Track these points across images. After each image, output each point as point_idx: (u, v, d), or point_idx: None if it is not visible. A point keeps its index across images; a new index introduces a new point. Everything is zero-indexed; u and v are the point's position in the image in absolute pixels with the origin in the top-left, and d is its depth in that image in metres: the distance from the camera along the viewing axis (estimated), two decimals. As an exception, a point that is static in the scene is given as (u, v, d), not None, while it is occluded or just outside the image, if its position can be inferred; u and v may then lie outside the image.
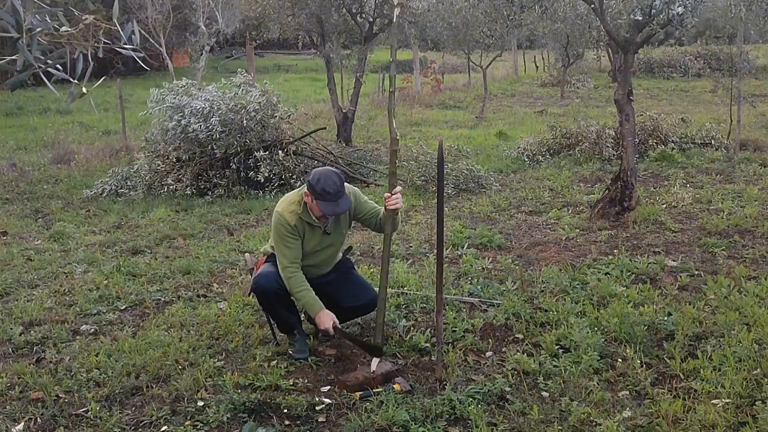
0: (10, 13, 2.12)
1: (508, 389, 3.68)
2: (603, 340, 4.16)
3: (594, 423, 3.35)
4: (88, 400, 3.69)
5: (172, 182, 8.74)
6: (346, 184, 4.02)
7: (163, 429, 3.45)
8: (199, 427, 3.44)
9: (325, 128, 10.74)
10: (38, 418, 3.56)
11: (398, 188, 3.92)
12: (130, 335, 4.50)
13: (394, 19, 4.06)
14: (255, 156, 8.69)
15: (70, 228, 7.31)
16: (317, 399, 3.66)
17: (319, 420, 3.50)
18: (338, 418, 3.51)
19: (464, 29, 14.23)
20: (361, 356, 4.12)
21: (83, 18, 2.40)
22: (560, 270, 5.48)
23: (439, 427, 3.35)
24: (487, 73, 17.55)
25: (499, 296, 4.96)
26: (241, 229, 7.24)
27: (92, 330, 4.68)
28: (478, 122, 14.98)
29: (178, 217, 7.77)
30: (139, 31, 2.55)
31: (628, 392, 3.66)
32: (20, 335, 4.55)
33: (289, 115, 9.26)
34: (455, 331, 4.36)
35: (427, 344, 4.21)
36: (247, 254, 4.72)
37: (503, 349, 4.18)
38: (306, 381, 3.89)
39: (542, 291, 5.06)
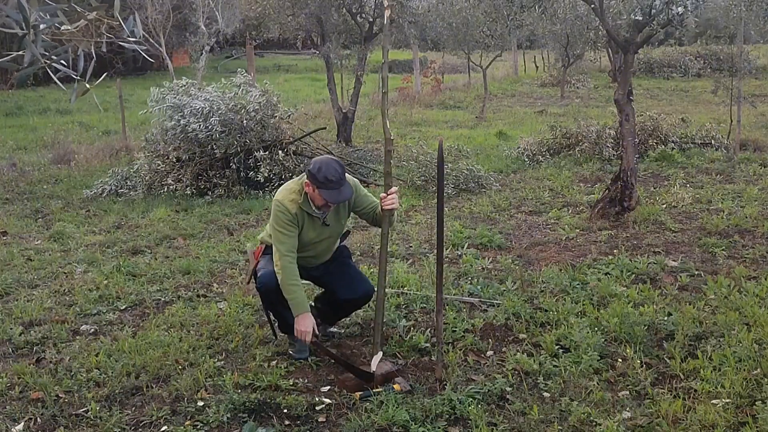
0: (17, 10, 2.13)
1: (508, 389, 3.68)
2: (603, 340, 4.16)
3: (594, 423, 3.35)
4: (88, 400, 3.69)
5: (172, 182, 8.74)
6: (346, 174, 3.99)
7: (163, 429, 3.45)
8: (199, 427, 3.44)
9: (325, 128, 10.74)
10: (38, 418, 3.56)
11: (394, 188, 3.91)
12: (130, 335, 4.50)
13: (385, 22, 4.06)
14: (255, 156, 8.69)
15: (70, 228, 7.31)
16: (317, 399, 3.66)
17: (319, 420, 3.50)
18: (338, 418, 3.51)
19: (464, 29, 14.23)
20: (361, 356, 4.12)
21: (86, 14, 2.40)
22: (560, 270, 5.48)
23: (439, 427, 3.35)
24: (487, 73, 17.55)
25: (499, 296, 4.96)
26: (241, 229, 7.24)
27: (92, 330, 4.68)
28: (478, 122, 14.98)
29: (178, 217, 7.77)
30: (141, 29, 2.55)
31: (628, 392, 3.66)
32: (20, 335, 4.55)
33: (289, 115, 9.26)
34: (455, 331, 4.37)
35: (427, 344, 4.21)
36: (249, 244, 4.68)
37: (503, 349, 4.18)
38: (306, 381, 3.89)
39: (542, 291, 5.06)
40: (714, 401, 3.47)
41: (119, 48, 2.61)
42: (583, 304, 4.73)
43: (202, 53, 15.02)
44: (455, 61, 24.34)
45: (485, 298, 4.96)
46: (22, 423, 3.51)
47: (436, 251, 3.95)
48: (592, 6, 6.84)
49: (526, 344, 4.23)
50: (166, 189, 8.72)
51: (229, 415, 3.50)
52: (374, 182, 9.24)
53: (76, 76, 2.37)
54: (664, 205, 7.48)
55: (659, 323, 4.40)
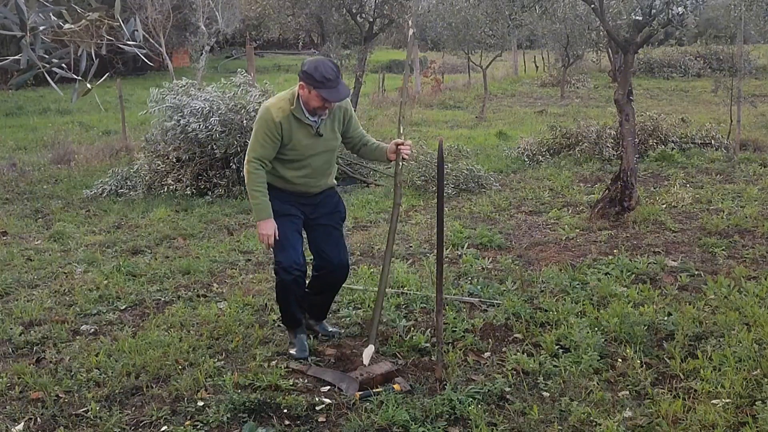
0: (14, 12, 2.12)
1: (508, 389, 3.68)
2: (603, 340, 4.16)
3: (594, 423, 3.35)
4: (88, 400, 3.69)
5: (172, 182, 8.74)
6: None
7: (163, 429, 3.45)
8: (199, 427, 3.44)
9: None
10: (38, 418, 3.56)
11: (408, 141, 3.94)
12: (130, 335, 4.50)
13: (409, 40, 4.31)
14: (255, 156, 8.67)
15: (70, 228, 7.31)
16: (317, 399, 3.66)
17: (319, 420, 3.50)
18: (338, 418, 3.51)
19: (464, 29, 14.24)
20: (361, 356, 4.12)
21: (86, 15, 2.40)
22: (560, 270, 5.48)
23: (439, 427, 3.35)
24: (487, 73, 17.56)
25: (499, 296, 4.96)
26: (241, 229, 7.24)
27: (92, 330, 4.68)
28: (478, 122, 14.98)
29: (178, 217, 7.77)
30: (141, 31, 2.55)
31: (628, 392, 3.65)
32: (20, 335, 4.54)
33: (289, 115, 9.24)
34: (455, 331, 4.36)
35: (427, 344, 4.21)
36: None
37: (503, 349, 4.18)
38: (306, 381, 3.89)
39: (542, 291, 5.06)
40: (714, 401, 3.46)
41: (119, 48, 2.60)
42: (583, 304, 4.73)
43: (202, 53, 15.03)
44: (455, 61, 24.36)
45: (485, 298, 4.96)
46: (22, 423, 3.51)
47: (436, 251, 3.95)
48: (592, 6, 6.85)
49: (526, 344, 4.22)
50: (166, 189, 8.72)
51: (229, 415, 3.50)
52: (374, 182, 9.24)
53: (77, 76, 2.36)
54: (664, 205, 7.48)
55: (659, 323, 4.40)
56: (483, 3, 9.15)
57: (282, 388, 3.75)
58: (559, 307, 4.65)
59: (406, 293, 5.05)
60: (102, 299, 5.20)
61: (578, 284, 5.15)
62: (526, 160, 10.29)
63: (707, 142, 10.68)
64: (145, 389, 3.82)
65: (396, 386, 3.70)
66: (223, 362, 4.11)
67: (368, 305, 4.83)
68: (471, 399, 3.55)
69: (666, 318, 4.47)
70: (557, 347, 4.10)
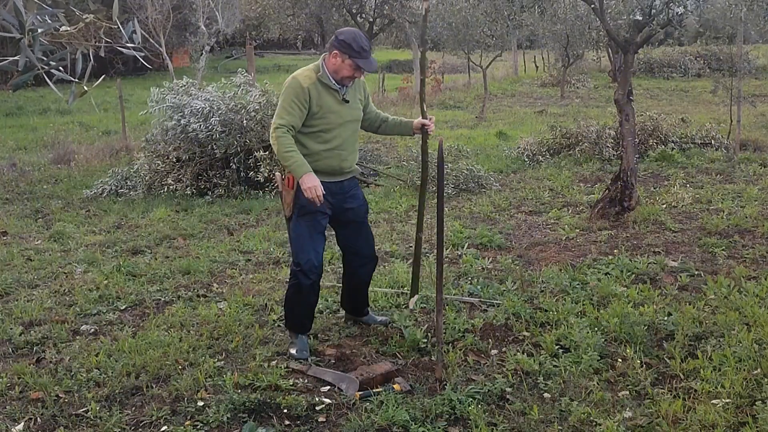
0: (12, 14, 2.12)
1: (508, 389, 3.68)
2: (603, 340, 4.16)
3: (594, 423, 3.35)
4: (88, 400, 3.69)
5: (172, 182, 8.74)
6: None
7: (163, 429, 3.45)
8: (199, 427, 3.44)
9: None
10: (38, 418, 3.56)
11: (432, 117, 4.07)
12: (130, 335, 4.50)
13: (423, 9, 4.33)
14: (255, 156, 8.68)
15: (70, 228, 7.31)
16: (317, 399, 3.66)
17: (319, 420, 3.50)
18: (338, 418, 3.51)
19: (464, 29, 14.24)
20: (361, 356, 4.12)
21: (84, 17, 2.40)
22: (560, 270, 5.48)
23: (439, 427, 3.35)
24: (487, 73, 17.55)
25: (499, 296, 4.96)
26: (241, 229, 7.24)
27: (92, 330, 4.68)
28: (478, 122, 14.98)
29: (178, 217, 7.77)
30: (140, 32, 2.55)
31: (628, 392, 3.65)
32: (20, 335, 4.54)
33: (289, 115, 9.25)
34: (455, 331, 4.36)
35: (427, 344, 4.21)
36: (277, 173, 4.49)
37: (503, 349, 4.18)
38: (306, 381, 3.89)
39: (542, 291, 5.06)
40: (714, 401, 3.46)
41: (118, 50, 2.60)
42: (583, 304, 4.73)
43: (202, 53, 15.04)
44: (455, 61, 24.37)
45: (485, 298, 4.96)
46: (22, 423, 3.51)
47: (436, 251, 3.95)
48: (592, 6, 6.85)
49: (526, 344, 4.22)
50: (166, 189, 8.72)
51: (229, 415, 3.50)
52: (374, 182, 9.25)
53: (74, 79, 2.36)
54: (664, 205, 7.48)
55: (659, 323, 4.40)
56: (483, 3, 9.16)
57: (282, 388, 3.75)
58: (559, 307, 4.65)
59: (406, 293, 5.05)
60: (102, 299, 5.20)
61: (578, 284, 5.15)
62: (526, 160, 10.29)
63: (707, 142, 10.68)
64: (145, 389, 3.82)
65: (396, 386, 3.70)
66: (223, 362, 4.11)
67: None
68: (471, 399, 3.55)
69: (666, 318, 4.47)
70: (557, 347, 4.10)
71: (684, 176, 8.90)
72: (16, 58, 2.21)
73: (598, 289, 5.01)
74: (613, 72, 7.11)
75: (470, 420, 3.39)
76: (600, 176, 9.18)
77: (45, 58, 2.27)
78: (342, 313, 4.71)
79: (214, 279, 5.67)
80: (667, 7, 6.40)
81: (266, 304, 4.97)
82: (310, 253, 4.02)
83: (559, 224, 6.97)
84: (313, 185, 3.84)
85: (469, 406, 3.48)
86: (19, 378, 3.96)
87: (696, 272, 5.44)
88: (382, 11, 11.50)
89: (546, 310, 4.64)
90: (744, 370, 3.73)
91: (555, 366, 3.89)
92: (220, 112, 8.60)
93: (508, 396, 3.63)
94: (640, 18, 6.65)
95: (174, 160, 8.89)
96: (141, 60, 2.78)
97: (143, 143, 9.46)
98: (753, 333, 4.15)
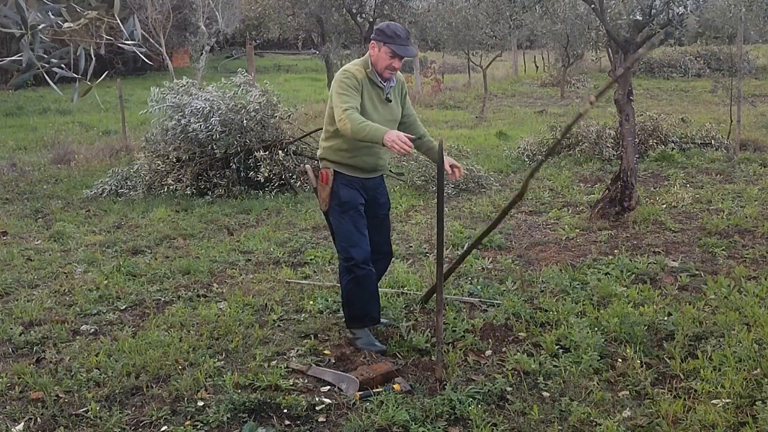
0: (14, 10, 2.12)
1: (508, 389, 3.68)
2: (603, 340, 4.16)
3: (594, 423, 3.35)
4: (88, 400, 3.69)
5: (172, 182, 8.73)
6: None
7: (163, 429, 3.44)
8: (199, 427, 3.44)
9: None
10: (38, 418, 3.56)
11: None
12: (130, 335, 4.50)
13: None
14: (255, 156, 8.69)
15: (70, 228, 7.31)
16: (317, 399, 3.66)
17: (319, 420, 3.50)
18: (338, 418, 3.51)
19: (464, 29, 14.25)
20: (361, 356, 4.12)
21: (85, 14, 2.40)
22: (560, 270, 5.48)
23: (439, 427, 3.35)
24: (487, 73, 17.55)
25: (499, 296, 4.96)
26: (241, 229, 7.24)
27: (92, 330, 4.67)
28: (478, 122, 14.98)
29: (178, 217, 7.77)
30: (140, 31, 2.55)
31: (628, 392, 3.65)
32: (20, 335, 4.54)
33: (289, 115, 9.26)
34: (455, 331, 4.36)
35: (427, 344, 4.21)
36: (307, 166, 4.45)
37: (503, 349, 4.18)
38: (306, 381, 3.89)
39: (542, 291, 5.06)
40: (714, 401, 3.46)
41: (119, 48, 2.60)
42: (583, 304, 4.73)
43: (202, 53, 15.03)
44: (455, 61, 24.36)
45: (485, 298, 4.96)
46: (22, 423, 3.51)
47: (436, 251, 3.95)
48: (592, 6, 6.85)
49: (526, 344, 4.22)
50: (166, 189, 8.72)
51: (229, 415, 3.50)
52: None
53: (78, 76, 2.36)
54: (664, 205, 7.48)
55: (659, 323, 4.40)
56: (483, 3, 9.16)
57: (282, 388, 3.75)
58: (559, 307, 4.65)
59: (406, 293, 5.05)
60: (102, 299, 5.20)
61: (578, 284, 5.15)
62: (526, 160, 10.30)
63: (707, 142, 10.68)
64: (145, 389, 3.82)
65: (396, 386, 3.70)
66: (223, 362, 4.11)
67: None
68: (471, 399, 3.55)
69: (666, 318, 4.47)
70: (557, 347, 4.10)
71: (684, 176, 8.90)
72: (16, 57, 2.20)
73: (598, 289, 5.01)
74: (613, 72, 7.11)
75: (470, 420, 3.39)
76: (600, 176, 9.18)
77: (45, 56, 2.27)
78: (341, 314, 4.71)
79: (214, 279, 5.67)
80: (667, 7, 6.40)
81: (266, 304, 4.97)
82: (362, 245, 4.11)
83: (559, 224, 6.97)
84: (396, 136, 3.73)
85: (469, 406, 3.48)
86: (19, 378, 3.95)
87: (696, 272, 5.44)
88: (382, 11, 11.50)
89: (546, 310, 4.64)
90: (744, 370, 3.73)
91: (555, 366, 3.89)
92: (220, 112, 8.60)
93: (508, 396, 3.63)
94: (640, 18, 6.65)
95: (174, 160, 8.89)
96: (142, 57, 2.77)
97: (143, 143, 9.46)
98: (753, 333, 4.15)
